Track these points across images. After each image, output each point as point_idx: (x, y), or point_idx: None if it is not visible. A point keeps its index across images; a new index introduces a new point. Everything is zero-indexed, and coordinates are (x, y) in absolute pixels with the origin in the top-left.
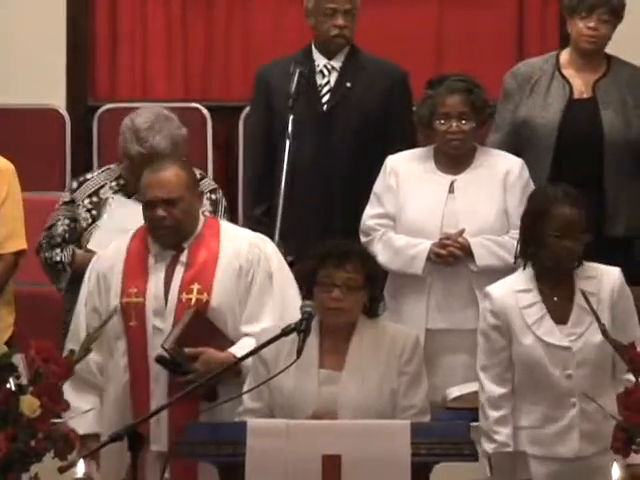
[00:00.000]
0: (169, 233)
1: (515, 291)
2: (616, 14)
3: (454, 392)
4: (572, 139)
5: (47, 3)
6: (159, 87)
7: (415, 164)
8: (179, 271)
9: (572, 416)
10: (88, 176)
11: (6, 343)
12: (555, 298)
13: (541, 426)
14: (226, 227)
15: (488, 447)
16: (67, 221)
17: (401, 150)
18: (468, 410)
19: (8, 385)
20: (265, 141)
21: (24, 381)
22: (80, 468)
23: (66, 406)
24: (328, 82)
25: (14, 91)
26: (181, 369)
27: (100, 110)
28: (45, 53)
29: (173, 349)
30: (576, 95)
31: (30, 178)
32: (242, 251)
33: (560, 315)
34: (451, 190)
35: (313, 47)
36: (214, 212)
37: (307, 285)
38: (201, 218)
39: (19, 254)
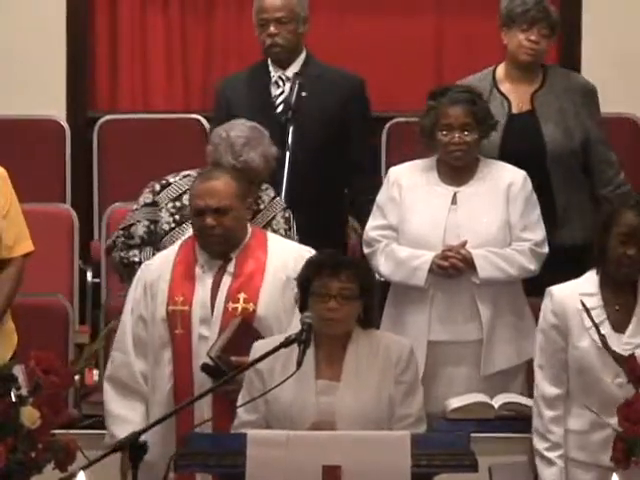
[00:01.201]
0: (218, 242)
1: (578, 294)
2: (554, 30)
3: (454, 403)
4: (515, 154)
5: (47, 14)
6: (159, 98)
7: (418, 175)
8: (226, 280)
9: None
10: (170, 180)
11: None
12: (617, 307)
13: (588, 432)
14: (273, 239)
15: (541, 446)
16: (147, 222)
17: (359, 159)
18: (468, 421)
19: (8, 396)
20: None
21: (24, 392)
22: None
23: (67, 417)
24: (282, 92)
25: (14, 102)
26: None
27: (100, 121)
28: (45, 64)
29: (219, 357)
30: (515, 110)
31: (30, 189)
32: (289, 263)
33: (619, 324)
34: (454, 202)
35: (269, 59)
36: (289, 229)
37: (301, 296)
38: (249, 229)
39: (27, 256)
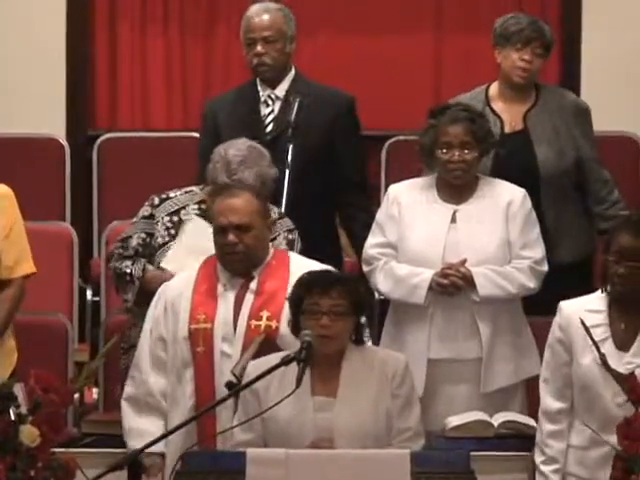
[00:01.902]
0: (239, 259)
1: (585, 310)
2: (548, 50)
3: (453, 421)
4: (507, 174)
5: (47, 32)
6: (159, 116)
7: (417, 193)
8: (249, 298)
9: (615, 443)
10: (171, 194)
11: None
12: (622, 325)
13: (588, 448)
14: (295, 258)
15: (538, 460)
16: (143, 235)
17: (350, 176)
18: (467, 439)
19: (8, 414)
20: None
21: (24, 410)
22: None
23: (66, 436)
24: (272, 111)
25: (14, 120)
26: None
27: (100, 139)
28: (45, 83)
29: (242, 375)
30: (507, 129)
31: (30, 207)
32: None
33: (623, 342)
34: (453, 220)
35: (257, 79)
36: (290, 250)
37: (293, 315)
38: (271, 249)
39: (27, 278)
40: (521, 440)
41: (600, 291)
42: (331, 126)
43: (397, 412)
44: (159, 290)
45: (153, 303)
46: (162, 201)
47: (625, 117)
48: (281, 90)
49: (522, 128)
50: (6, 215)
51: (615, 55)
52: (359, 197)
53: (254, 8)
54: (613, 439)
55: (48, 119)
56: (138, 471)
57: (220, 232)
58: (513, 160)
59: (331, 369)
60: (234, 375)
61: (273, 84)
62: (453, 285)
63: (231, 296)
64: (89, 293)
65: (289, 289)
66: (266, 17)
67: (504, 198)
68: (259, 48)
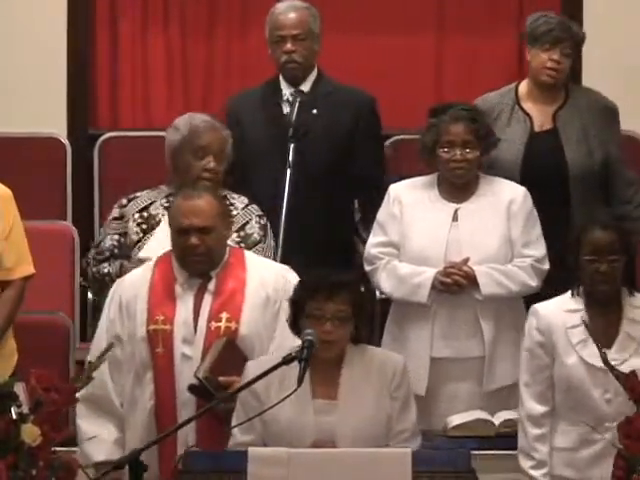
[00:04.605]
0: (200, 261)
1: (563, 310)
2: (578, 48)
3: (455, 420)
4: (536, 173)
5: (48, 31)
6: (160, 116)
7: (419, 192)
8: (207, 299)
9: (608, 441)
10: (138, 194)
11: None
12: (601, 324)
13: (576, 449)
14: (251, 257)
15: (526, 465)
16: (116, 236)
17: (372, 175)
18: (469, 438)
19: (9, 414)
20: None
21: (25, 409)
22: None
23: (67, 434)
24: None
25: (15, 119)
26: (213, 398)
27: (101, 139)
28: (46, 81)
29: (206, 378)
30: (537, 128)
31: (31, 206)
32: (269, 280)
33: (605, 339)
34: (455, 218)
35: (280, 77)
36: (264, 236)
37: (293, 316)
38: (227, 248)
39: (27, 279)
40: None
41: (571, 293)
42: (352, 125)
43: (396, 415)
44: (112, 289)
45: (107, 302)
46: (130, 200)
47: (625, 116)
48: (305, 89)
49: (551, 127)
50: (6, 216)
51: (615, 55)
52: (380, 196)
53: (282, 6)
54: (607, 436)
55: (49, 118)
56: (139, 470)
57: (181, 234)
58: (542, 159)
59: (331, 371)
60: (197, 378)
61: (297, 82)
62: (456, 284)
63: (189, 297)
64: (90, 292)
65: (247, 288)
66: (295, 15)
67: (505, 196)
68: (289, 46)
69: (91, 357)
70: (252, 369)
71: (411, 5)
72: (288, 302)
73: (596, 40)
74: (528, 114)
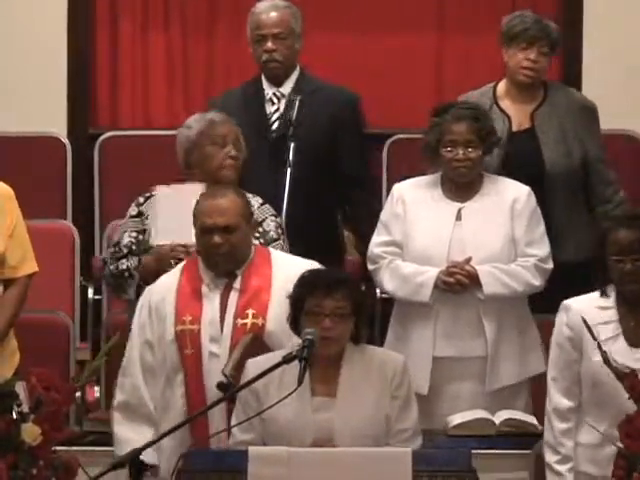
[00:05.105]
0: (225, 260)
1: (594, 307)
2: (554, 48)
3: (455, 419)
4: (515, 172)
5: (48, 31)
6: (160, 115)
7: (422, 191)
8: (233, 297)
9: None
10: (154, 192)
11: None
12: (632, 321)
13: (599, 445)
14: (277, 254)
15: (552, 459)
16: (134, 234)
17: (356, 174)
18: (469, 437)
19: (9, 413)
20: None
21: (25, 409)
22: None
23: (68, 434)
24: (277, 109)
25: (15, 119)
26: None
27: (101, 138)
28: (46, 81)
29: (233, 375)
30: (515, 127)
31: (31, 206)
32: (294, 277)
33: (634, 338)
34: (458, 217)
35: (262, 76)
36: (282, 234)
37: (293, 313)
38: (252, 246)
39: (31, 277)
40: (523, 438)
41: (599, 294)
42: (335, 123)
43: (396, 413)
44: (142, 295)
45: (137, 309)
46: (147, 199)
47: (625, 116)
48: (287, 88)
49: (529, 127)
50: (9, 215)
51: (616, 54)
52: (364, 195)
53: (262, 5)
54: None
55: (49, 117)
56: (139, 469)
57: (205, 233)
58: (520, 158)
59: (331, 370)
60: (224, 375)
61: (279, 82)
62: (458, 283)
63: (216, 296)
64: (90, 291)
65: (273, 285)
66: (276, 14)
67: (509, 195)
68: (269, 45)
69: (123, 367)
70: (252, 368)
71: (411, 5)
72: (288, 300)
73: (596, 40)
74: (506, 113)
